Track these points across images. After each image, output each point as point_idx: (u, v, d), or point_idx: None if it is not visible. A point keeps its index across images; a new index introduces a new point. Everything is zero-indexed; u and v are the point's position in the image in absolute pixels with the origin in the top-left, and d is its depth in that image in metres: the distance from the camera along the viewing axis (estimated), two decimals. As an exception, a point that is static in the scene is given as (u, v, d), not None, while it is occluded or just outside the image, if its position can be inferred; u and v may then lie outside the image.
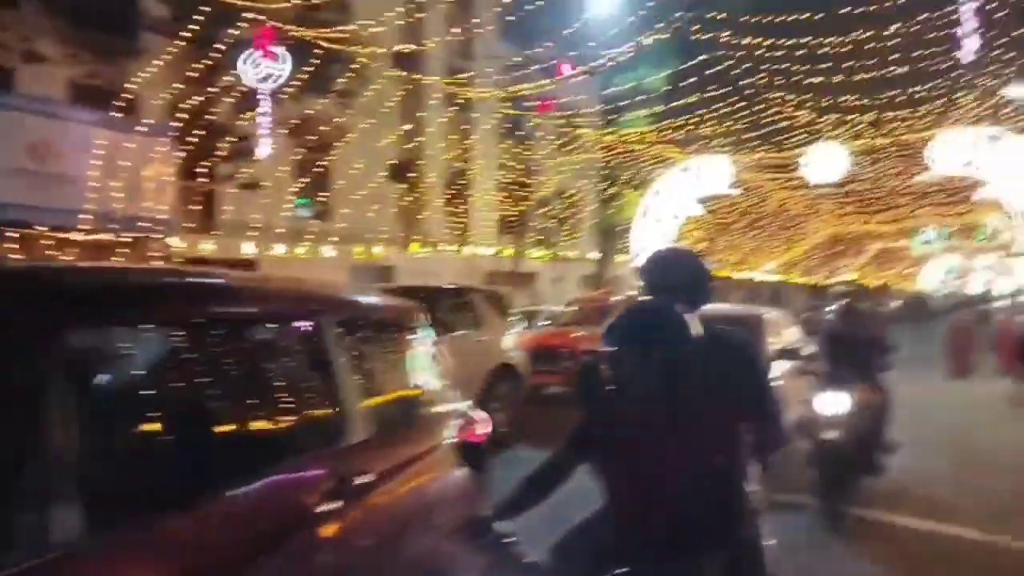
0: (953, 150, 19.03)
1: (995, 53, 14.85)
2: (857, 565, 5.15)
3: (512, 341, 10.26)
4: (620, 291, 27.87)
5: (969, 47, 11.12)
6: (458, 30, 18.64)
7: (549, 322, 16.51)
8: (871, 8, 13.69)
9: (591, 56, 18.31)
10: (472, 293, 10.51)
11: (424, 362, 3.33)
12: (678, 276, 2.77)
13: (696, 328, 2.61)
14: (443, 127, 20.36)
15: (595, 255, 24.50)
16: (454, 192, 21.74)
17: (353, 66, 15.55)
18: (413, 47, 16.54)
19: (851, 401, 5.94)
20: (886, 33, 13.51)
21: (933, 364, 18.08)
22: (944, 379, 16.48)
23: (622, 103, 22.23)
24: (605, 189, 24.49)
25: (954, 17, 12.63)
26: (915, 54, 14.42)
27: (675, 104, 20.74)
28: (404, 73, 17.50)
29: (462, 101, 20.26)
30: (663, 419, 2.34)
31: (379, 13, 15.22)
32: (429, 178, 20.46)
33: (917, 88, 16.47)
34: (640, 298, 2.88)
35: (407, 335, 3.28)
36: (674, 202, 23.55)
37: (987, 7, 12.64)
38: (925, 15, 12.94)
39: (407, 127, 19.08)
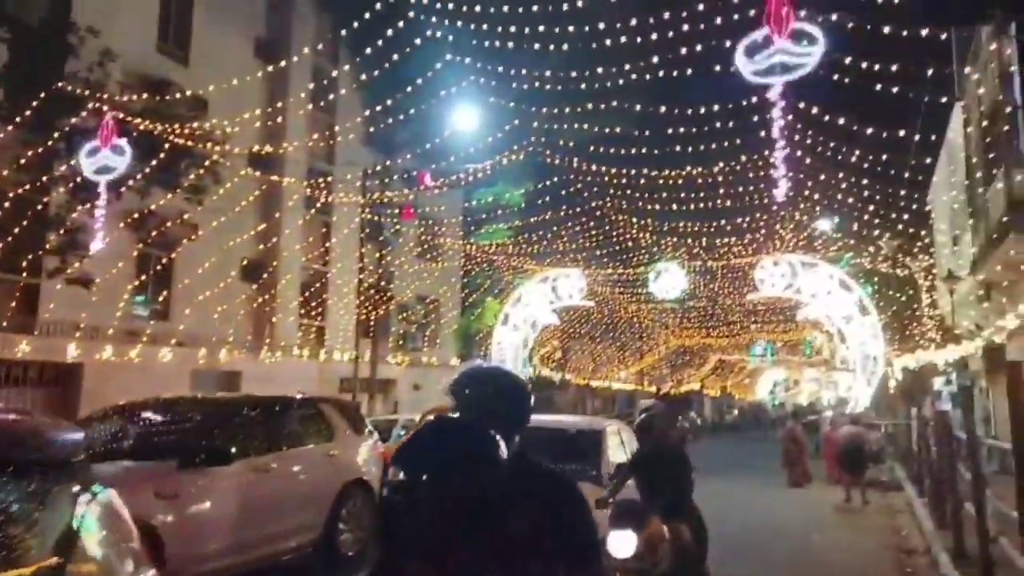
0: (775, 275, 21.15)
1: (806, 193, 16.97)
2: None
3: (367, 454, 9.68)
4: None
5: (782, 188, 12.64)
6: (317, 135, 18.72)
7: (405, 432, 15.98)
8: (700, 148, 15.29)
9: (452, 169, 18.93)
10: (322, 403, 9.92)
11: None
12: (490, 394, 2.27)
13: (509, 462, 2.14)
14: (301, 229, 20.00)
15: (456, 362, 24.41)
16: (309, 295, 21.11)
17: (207, 163, 15.06)
18: (270, 148, 16.36)
19: (637, 540, 4.88)
20: (715, 169, 15.17)
21: (775, 472, 19.18)
22: (785, 488, 17.43)
23: (482, 216, 23.01)
24: (466, 296, 24.80)
25: (771, 160, 14.34)
26: (739, 189, 16.21)
27: (532, 219, 21.74)
28: (260, 173, 17.17)
29: (321, 204, 20.11)
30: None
31: (238, 112, 15.00)
32: (284, 280, 19.78)
33: (741, 219, 18.38)
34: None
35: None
36: (532, 311, 24.32)
37: (797, 154, 14.49)
38: (744, 158, 14.70)
39: (262, 227, 18.54)
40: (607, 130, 16.65)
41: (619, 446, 8.37)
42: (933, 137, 19.05)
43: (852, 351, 20.70)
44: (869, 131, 12.25)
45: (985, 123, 14.31)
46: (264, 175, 17.38)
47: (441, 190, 22.87)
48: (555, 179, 18.33)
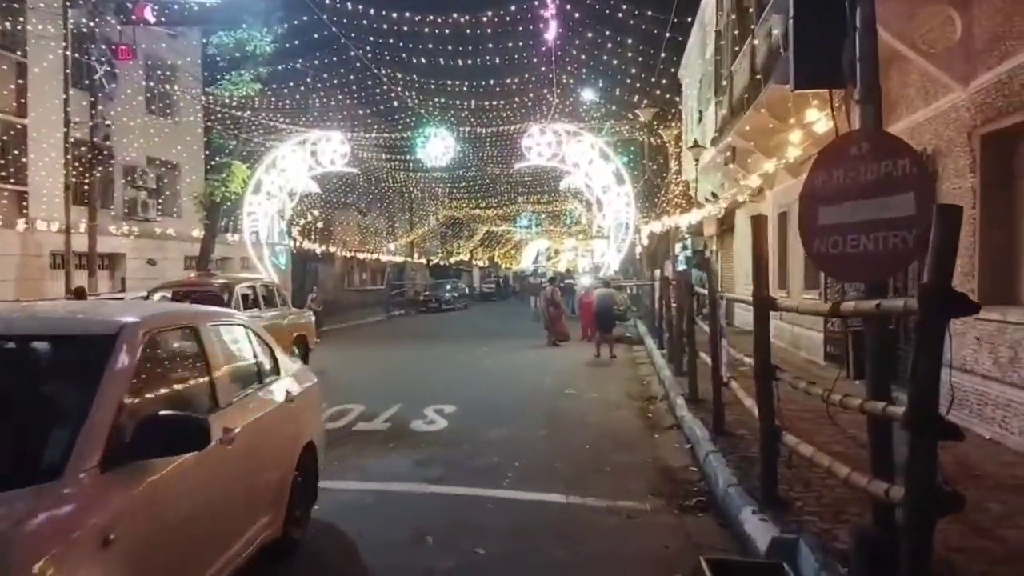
0: (542, 143, 21.23)
1: (573, 53, 16.63)
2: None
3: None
4: (231, 273, 25.49)
5: (551, 32, 12.07)
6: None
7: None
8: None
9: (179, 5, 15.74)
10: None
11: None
12: None
13: None
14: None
15: (199, 232, 21.72)
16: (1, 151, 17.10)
17: None
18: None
19: None
20: (484, 19, 14.11)
21: (535, 334, 20.00)
22: (546, 346, 18.30)
23: (222, 63, 19.85)
24: (208, 159, 21.81)
25: (541, 13, 13.67)
26: (508, 44, 15.37)
27: (283, 69, 19.20)
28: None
29: (5, 33, 15.88)
30: None
31: None
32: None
33: (510, 80, 17.71)
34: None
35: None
36: (288, 176, 22.18)
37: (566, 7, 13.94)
38: (514, 7, 13.79)
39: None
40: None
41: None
42: (689, 19, 19.68)
43: (608, 219, 21.75)
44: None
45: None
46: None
47: (169, 31, 19.29)
48: (305, 18, 15.97)
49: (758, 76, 11.90)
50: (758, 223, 5.35)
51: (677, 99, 22.40)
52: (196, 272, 17.76)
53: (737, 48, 14.28)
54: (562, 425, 8.80)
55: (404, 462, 6.99)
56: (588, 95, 23.12)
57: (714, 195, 20.87)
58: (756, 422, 7.20)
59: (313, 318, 15.09)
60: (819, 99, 9.17)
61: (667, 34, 16.63)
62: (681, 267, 21.39)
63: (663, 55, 15.63)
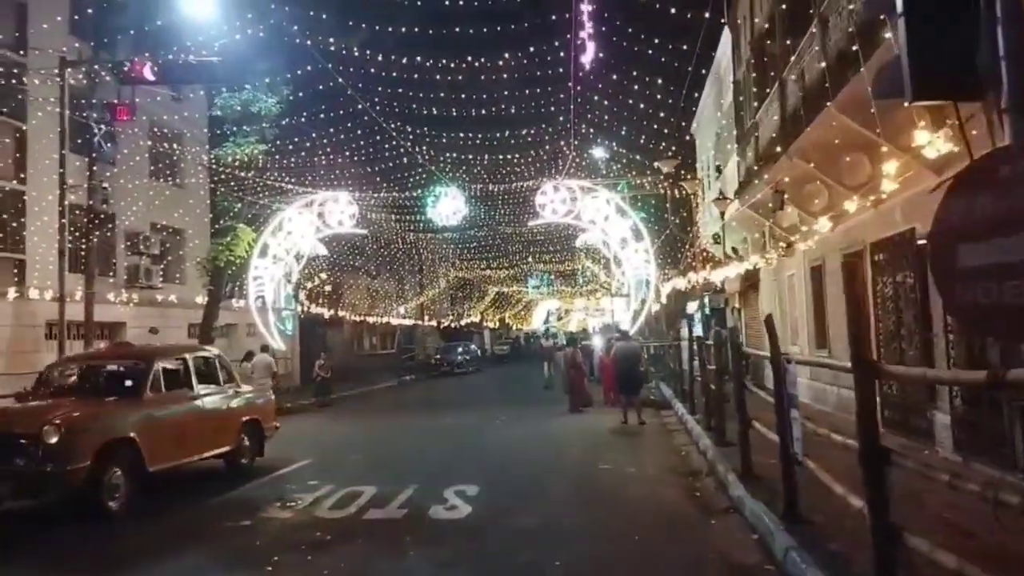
0: (556, 200, 20.62)
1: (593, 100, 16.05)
2: None
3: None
4: (237, 340, 24.61)
5: (570, 82, 11.43)
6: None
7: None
8: (483, 46, 13.58)
9: (181, 68, 15.29)
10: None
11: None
12: None
13: None
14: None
15: (202, 299, 20.93)
16: (2, 221, 16.53)
17: None
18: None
19: None
20: (500, 62, 13.51)
21: (554, 400, 18.91)
22: (567, 414, 17.19)
23: (229, 128, 19.41)
24: (214, 222, 21.21)
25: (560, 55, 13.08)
26: (525, 91, 14.81)
27: (289, 129, 18.72)
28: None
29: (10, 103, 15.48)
30: None
31: None
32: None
33: (525, 131, 17.11)
34: None
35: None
36: (295, 239, 21.52)
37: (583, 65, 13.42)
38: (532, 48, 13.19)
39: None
40: (376, 27, 14.36)
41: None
42: (703, 71, 19.28)
43: (627, 275, 20.90)
44: (649, 51, 11.42)
45: (757, 39, 14.23)
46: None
47: (173, 95, 18.96)
48: (310, 70, 15.46)
49: (793, 116, 11.20)
50: (852, 269, 4.41)
51: (690, 160, 21.89)
52: (110, 342, 16.67)
53: (762, 97, 13.67)
54: (602, 509, 7.70)
55: (425, 563, 5.92)
56: (601, 152, 22.63)
57: (734, 250, 20.06)
58: (835, 506, 6.20)
59: (272, 397, 12.44)
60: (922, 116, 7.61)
61: (686, 88, 16.11)
62: (697, 326, 20.41)
63: (682, 104, 15.23)
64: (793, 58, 11.08)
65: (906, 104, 4.14)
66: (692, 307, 30.53)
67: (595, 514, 7.41)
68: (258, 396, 11.48)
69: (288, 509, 7.86)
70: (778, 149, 11.87)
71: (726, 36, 17.43)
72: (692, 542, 6.39)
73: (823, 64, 9.18)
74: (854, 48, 7.59)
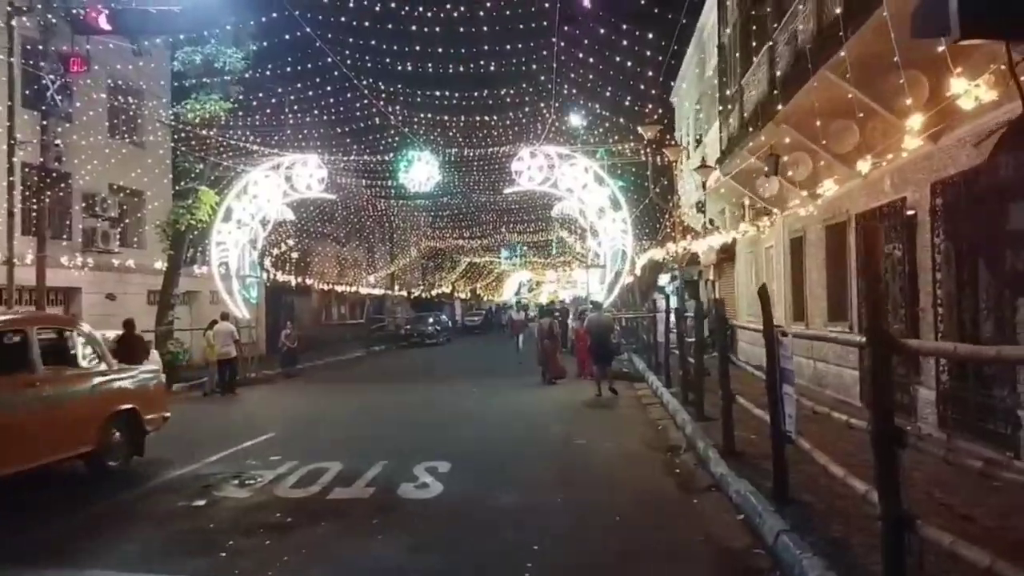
0: (533, 167, 20.03)
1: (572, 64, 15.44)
2: None
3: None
4: (200, 308, 23.77)
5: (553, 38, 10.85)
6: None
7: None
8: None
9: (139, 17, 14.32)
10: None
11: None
12: None
13: None
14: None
15: (161, 264, 20.05)
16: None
17: None
18: None
19: None
20: (480, 12, 12.74)
21: (525, 371, 18.57)
22: (540, 384, 16.88)
23: (190, 83, 18.39)
24: (176, 184, 20.24)
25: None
26: (506, 46, 14.10)
27: (255, 82, 17.74)
28: None
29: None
30: None
31: None
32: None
33: (504, 90, 16.41)
34: None
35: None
36: (261, 203, 20.67)
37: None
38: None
39: None
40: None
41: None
42: (677, 46, 18.70)
43: (603, 246, 20.49)
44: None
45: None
46: None
47: (134, 50, 17.89)
48: (276, 19, 14.53)
49: (783, 81, 10.76)
50: (871, 233, 4.00)
51: (669, 128, 21.37)
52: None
53: (749, 60, 13.20)
54: (580, 487, 7.35)
55: (394, 547, 5.49)
56: (580, 119, 22.02)
57: (711, 221, 19.75)
58: (826, 487, 5.92)
59: (162, 379, 10.49)
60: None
61: (670, 52, 15.55)
62: (671, 298, 20.15)
63: (664, 68, 14.70)
64: (785, 18, 10.60)
65: (950, 42, 3.71)
66: (664, 279, 30.34)
67: (572, 493, 7.05)
68: (140, 379, 9.14)
69: (246, 487, 7.37)
70: (764, 115, 11.45)
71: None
72: (675, 523, 6.06)
73: (814, 25, 8.72)
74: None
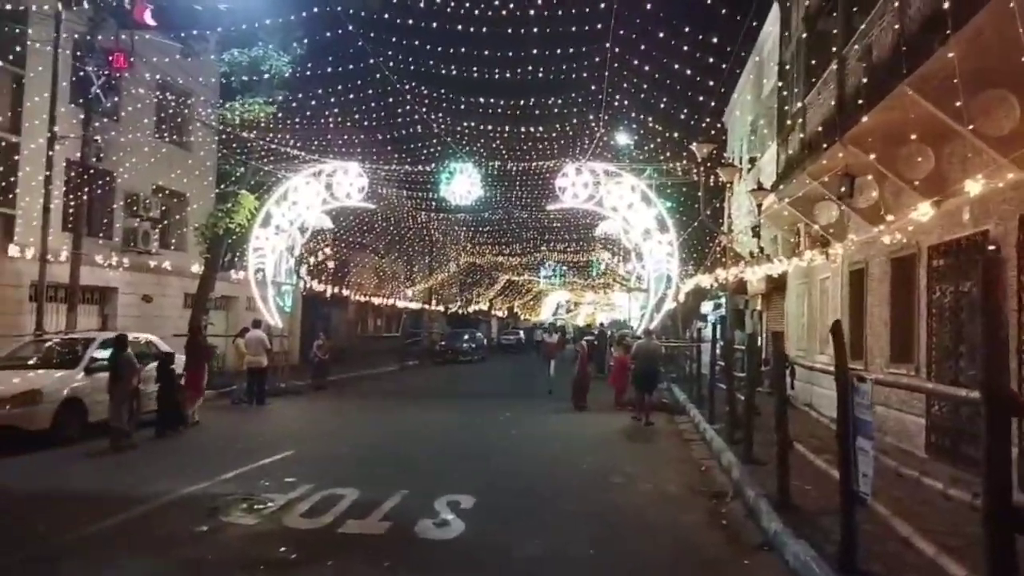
0: (578, 183, 19.39)
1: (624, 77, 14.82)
2: None
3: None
4: (236, 314, 23.59)
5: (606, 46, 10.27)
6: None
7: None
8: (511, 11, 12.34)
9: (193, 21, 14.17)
10: None
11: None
12: None
13: None
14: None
15: (198, 268, 19.90)
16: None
17: None
18: None
19: None
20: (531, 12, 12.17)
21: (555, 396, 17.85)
22: (575, 410, 16.18)
23: (235, 84, 18.28)
24: (218, 187, 20.13)
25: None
26: (558, 51, 13.52)
27: (301, 91, 17.53)
28: None
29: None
30: None
31: None
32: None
33: (551, 99, 15.83)
34: None
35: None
36: (300, 210, 20.43)
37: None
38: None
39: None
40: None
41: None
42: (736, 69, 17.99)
43: (647, 269, 19.69)
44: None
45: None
46: None
47: (187, 53, 17.88)
48: (322, 23, 14.19)
49: (853, 98, 10.01)
50: (991, 266, 3.27)
51: (721, 150, 20.54)
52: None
53: (814, 79, 12.43)
54: (615, 536, 6.62)
55: (402, 600, 4.87)
56: (630, 135, 21.31)
57: (761, 249, 18.82)
58: (897, 554, 5.14)
59: None
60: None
61: (727, 71, 14.81)
62: (717, 327, 19.24)
63: (722, 89, 14.04)
64: (859, 31, 9.85)
65: None
66: (707, 307, 29.27)
67: (607, 543, 6.33)
68: None
69: (255, 513, 6.84)
70: (828, 136, 10.67)
71: (774, 13, 16.12)
72: (726, 591, 5.31)
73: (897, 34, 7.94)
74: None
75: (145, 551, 5.77)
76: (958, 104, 7.18)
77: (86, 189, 15.19)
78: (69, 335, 13.50)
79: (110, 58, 14.25)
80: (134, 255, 19.35)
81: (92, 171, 15.79)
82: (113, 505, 7.04)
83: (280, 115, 18.54)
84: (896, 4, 8.28)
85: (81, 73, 14.98)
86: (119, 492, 7.73)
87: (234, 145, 18.69)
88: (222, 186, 19.63)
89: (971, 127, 7.45)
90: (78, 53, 15.60)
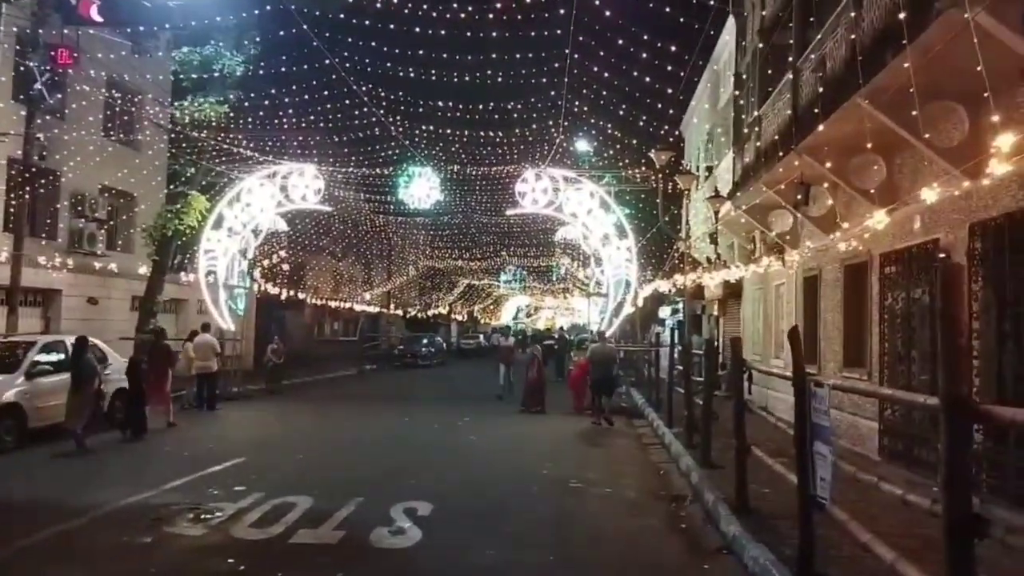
0: (537, 189, 19.40)
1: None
2: None
3: None
4: (186, 317, 22.94)
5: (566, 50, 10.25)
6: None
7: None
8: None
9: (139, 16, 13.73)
10: None
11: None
12: None
13: None
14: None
15: (145, 270, 19.26)
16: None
17: None
18: None
19: None
20: (490, 15, 12.09)
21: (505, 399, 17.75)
22: (534, 413, 16.13)
23: (185, 83, 17.76)
24: (168, 187, 19.49)
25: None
26: (517, 55, 13.47)
27: (253, 89, 17.14)
28: None
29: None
30: None
31: None
32: None
33: (511, 103, 15.80)
34: None
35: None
36: (254, 212, 19.95)
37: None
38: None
39: None
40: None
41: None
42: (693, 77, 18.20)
43: (606, 274, 19.77)
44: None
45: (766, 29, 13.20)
46: None
47: (137, 52, 17.32)
48: (281, 35, 13.87)
49: (807, 109, 10.17)
50: (950, 273, 3.29)
51: (678, 159, 20.77)
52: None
53: (769, 89, 12.62)
54: (575, 542, 6.54)
55: (355, 613, 4.71)
56: (589, 142, 21.46)
57: (718, 255, 19.08)
58: (853, 557, 5.18)
59: None
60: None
61: (683, 80, 14.98)
62: (675, 331, 19.41)
63: (680, 96, 14.16)
64: (812, 45, 10.02)
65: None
66: (665, 312, 29.58)
67: (567, 549, 6.25)
68: None
69: (201, 523, 6.57)
70: (784, 146, 10.83)
71: (730, 23, 16.36)
72: (685, 595, 5.28)
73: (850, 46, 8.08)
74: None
75: (82, 566, 5.48)
76: (913, 114, 7.31)
77: (28, 188, 14.55)
78: (9, 338, 12.91)
79: (53, 54, 13.66)
80: (79, 256, 18.65)
81: (35, 170, 15.18)
82: (48, 516, 6.70)
83: (233, 115, 18.08)
84: (851, 16, 8.42)
85: (22, 68, 14.35)
86: (54, 502, 7.37)
87: (185, 145, 18.16)
88: (172, 186, 19.04)
89: (925, 137, 7.60)
90: (19, 48, 14.97)
